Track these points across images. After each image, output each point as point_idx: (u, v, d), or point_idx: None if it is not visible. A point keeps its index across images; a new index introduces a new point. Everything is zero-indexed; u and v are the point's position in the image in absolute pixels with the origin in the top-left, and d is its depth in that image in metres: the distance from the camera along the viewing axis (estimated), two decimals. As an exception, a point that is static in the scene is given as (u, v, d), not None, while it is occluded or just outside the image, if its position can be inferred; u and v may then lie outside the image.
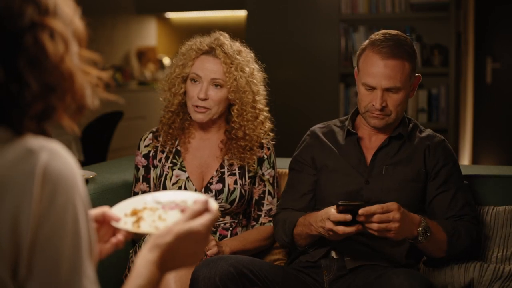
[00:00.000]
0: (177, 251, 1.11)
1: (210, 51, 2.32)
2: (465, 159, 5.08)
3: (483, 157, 5.25)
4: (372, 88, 2.14)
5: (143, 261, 1.09)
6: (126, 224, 1.23)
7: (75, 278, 0.92)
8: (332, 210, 1.95)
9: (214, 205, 1.18)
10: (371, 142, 2.25)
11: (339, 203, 1.94)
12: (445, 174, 2.19)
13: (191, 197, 1.28)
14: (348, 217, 1.92)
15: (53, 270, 0.91)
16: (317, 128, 2.35)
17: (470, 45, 5.11)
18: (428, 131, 2.28)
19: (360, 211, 1.91)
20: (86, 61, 1.00)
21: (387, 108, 2.14)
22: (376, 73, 2.12)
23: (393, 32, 2.17)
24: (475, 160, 5.23)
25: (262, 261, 2.12)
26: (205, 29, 2.44)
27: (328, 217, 1.95)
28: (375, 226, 1.92)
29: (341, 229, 1.93)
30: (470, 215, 2.17)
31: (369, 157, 2.22)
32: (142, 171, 2.40)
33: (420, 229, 2.01)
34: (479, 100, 5.22)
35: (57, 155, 0.93)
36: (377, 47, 2.12)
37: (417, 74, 2.20)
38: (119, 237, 1.27)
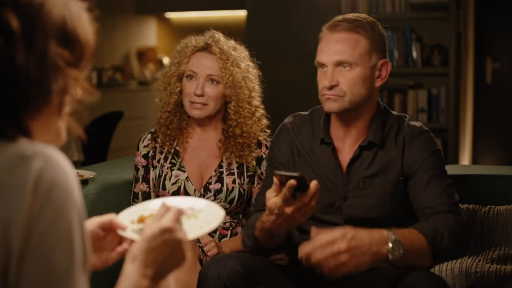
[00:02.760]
0: (156, 253, 1.11)
1: (205, 48, 2.34)
2: (465, 159, 5.08)
3: (483, 157, 5.25)
4: (325, 66, 1.99)
5: (125, 275, 1.09)
6: (132, 233, 1.23)
7: (66, 286, 0.90)
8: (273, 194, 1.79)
9: (173, 204, 1.18)
10: (345, 146, 2.07)
11: (275, 172, 1.75)
12: (422, 170, 2.01)
13: (199, 204, 1.27)
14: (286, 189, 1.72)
15: (43, 278, 0.89)
16: (289, 124, 2.16)
17: (470, 45, 5.10)
18: (406, 129, 2.06)
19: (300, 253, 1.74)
20: (64, 61, 0.98)
21: (339, 87, 1.97)
22: (326, 48, 1.99)
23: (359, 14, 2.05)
24: (475, 160, 5.23)
25: (268, 260, 2.11)
26: (205, 29, 2.44)
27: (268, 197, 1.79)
28: (325, 269, 1.72)
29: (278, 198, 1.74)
30: (448, 203, 1.96)
31: (344, 166, 2.05)
32: (141, 171, 2.40)
33: (390, 245, 1.75)
34: (479, 100, 5.22)
35: (52, 162, 0.91)
36: (332, 23, 2.01)
37: (385, 60, 2.02)
38: (125, 246, 1.26)
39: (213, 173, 2.36)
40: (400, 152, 2.03)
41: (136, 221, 1.25)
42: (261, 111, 2.40)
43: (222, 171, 2.36)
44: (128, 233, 1.23)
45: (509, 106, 5.19)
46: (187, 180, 2.34)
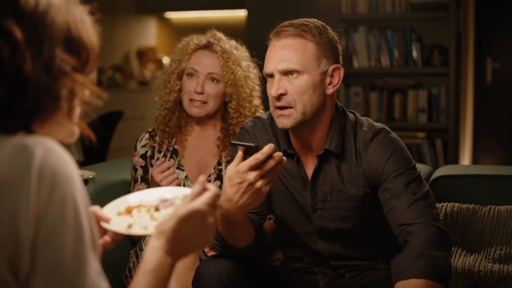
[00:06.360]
0: (183, 233, 1.11)
1: (207, 46, 2.34)
2: (465, 159, 5.08)
3: (483, 157, 5.25)
4: (272, 76, 1.87)
5: (150, 249, 1.10)
6: (118, 226, 1.23)
7: (79, 269, 0.92)
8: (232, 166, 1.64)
9: (212, 185, 1.17)
10: (308, 158, 1.96)
11: (231, 142, 1.65)
12: (385, 179, 1.88)
13: (183, 191, 1.29)
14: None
15: (57, 262, 0.91)
16: (250, 128, 2.02)
17: (470, 45, 5.10)
18: (358, 136, 1.93)
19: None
20: (67, 64, 0.99)
21: (287, 96, 1.83)
22: (271, 56, 1.87)
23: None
24: (475, 160, 5.22)
25: (265, 259, 2.10)
26: (205, 29, 2.45)
27: (236, 170, 1.62)
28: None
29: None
30: (419, 214, 1.81)
31: (309, 178, 1.95)
32: (140, 172, 2.40)
33: None
34: (479, 100, 5.21)
35: (52, 151, 0.93)
36: (278, 30, 1.89)
37: (336, 65, 1.92)
38: (106, 238, 1.27)
39: (212, 171, 2.36)
40: (359, 164, 1.91)
41: (124, 212, 1.26)
42: (261, 111, 2.40)
43: (221, 169, 2.36)
44: (111, 226, 1.23)
45: (509, 106, 5.19)
46: (186, 179, 2.34)
